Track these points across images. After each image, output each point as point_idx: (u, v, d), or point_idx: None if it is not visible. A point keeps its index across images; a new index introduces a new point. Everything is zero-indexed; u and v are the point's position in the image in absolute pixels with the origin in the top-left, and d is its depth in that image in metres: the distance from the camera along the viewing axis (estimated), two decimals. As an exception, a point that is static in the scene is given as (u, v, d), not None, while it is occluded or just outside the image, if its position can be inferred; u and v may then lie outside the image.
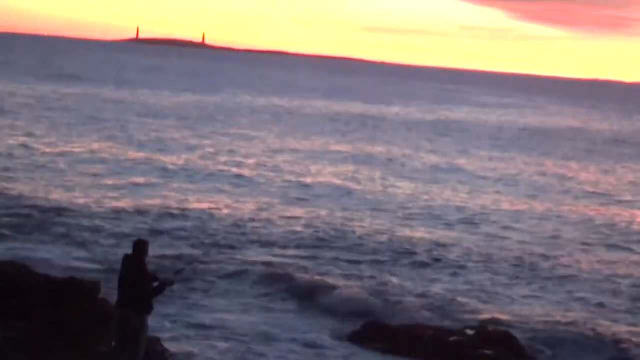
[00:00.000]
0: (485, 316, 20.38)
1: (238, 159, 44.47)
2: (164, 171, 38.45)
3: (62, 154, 40.84)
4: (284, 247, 25.92)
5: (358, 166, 45.09)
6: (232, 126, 61.29)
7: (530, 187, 42.10)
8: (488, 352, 17.29)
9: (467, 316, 20.35)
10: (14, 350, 13.90)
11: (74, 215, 27.72)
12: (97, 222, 27.05)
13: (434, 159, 51.12)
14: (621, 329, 20.22)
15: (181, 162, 41.55)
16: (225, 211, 30.38)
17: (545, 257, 26.90)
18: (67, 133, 49.27)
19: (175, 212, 29.57)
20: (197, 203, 31.46)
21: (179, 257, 22.64)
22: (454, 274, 24.28)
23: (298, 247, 26.01)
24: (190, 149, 46.88)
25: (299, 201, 33.64)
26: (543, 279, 24.49)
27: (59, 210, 28.14)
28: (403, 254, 26.05)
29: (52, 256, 22.74)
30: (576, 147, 67.49)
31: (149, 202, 30.86)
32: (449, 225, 31.10)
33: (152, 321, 13.38)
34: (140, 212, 29.04)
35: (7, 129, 48.07)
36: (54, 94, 77.97)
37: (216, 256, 23.61)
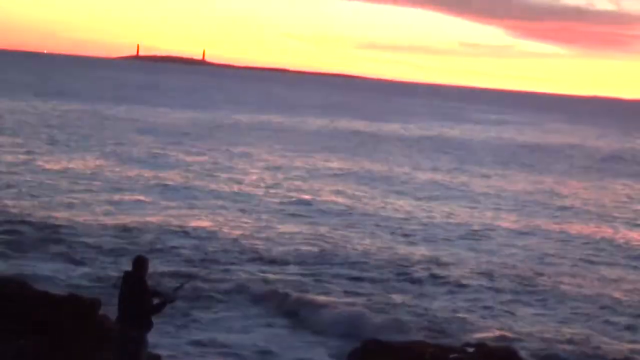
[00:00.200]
0: (486, 333, 20.34)
1: (237, 175, 44.49)
2: (164, 188, 38.46)
3: (61, 171, 40.86)
4: (284, 264, 25.89)
5: (358, 183, 45.10)
6: (232, 143, 61.33)
7: (530, 204, 42.09)
8: (488, 369, 17.21)
9: (468, 333, 20.30)
10: (14, 367, 13.87)
11: (74, 232, 27.72)
12: (97, 239, 27.04)
13: (433, 175, 51.14)
14: (622, 347, 20.18)
15: (180, 179, 41.57)
16: (225, 228, 30.36)
17: (545, 274, 26.87)
18: (67, 150, 49.32)
19: (175, 228, 29.57)
20: (197, 220, 31.44)
21: (178, 274, 22.62)
22: (455, 291, 24.24)
23: (298, 264, 25.98)
24: (189, 165, 46.91)
25: (299, 218, 33.63)
26: (543, 295, 24.45)
27: (59, 227, 28.14)
28: (403, 270, 26.02)
29: (52, 273, 22.72)
30: (575, 164, 67.54)
31: (149, 219, 30.85)
32: (449, 242, 31.08)
33: (151, 337, 13.36)
34: (139, 229, 29.03)
35: (6, 146, 48.12)
36: (54, 110, 78.09)
37: (216, 273, 23.60)
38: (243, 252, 26.95)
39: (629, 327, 22.01)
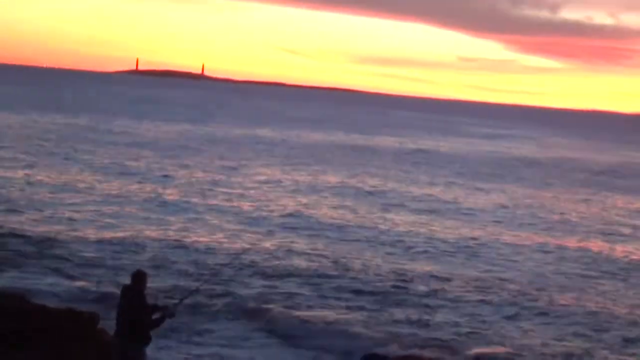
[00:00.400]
0: (485, 347, 20.33)
1: (235, 190, 44.50)
2: (162, 202, 38.47)
3: (59, 185, 40.87)
4: (283, 278, 25.87)
5: (355, 197, 45.11)
6: (230, 157, 61.38)
7: (528, 218, 42.11)
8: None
9: (467, 347, 20.29)
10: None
11: (72, 246, 27.72)
12: (95, 253, 27.04)
13: (431, 189, 51.15)
14: (620, 361, 20.15)
15: (179, 193, 41.58)
16: (224, 243, 30.35)
17: (544, 288, 26.86)
18: (65, 163, 49.33)
19: (174, 243, 29.56)
20: (196, 234, 31.44)
21: (177, 289, 22.60)
22: (453, 305, 24.22)
23: (296, 279, 25.96)
24: (188, 179, 46.93)
25: (297, 233, 33.61)
26: (542, 310, 24.43)
27: (57, 241, 28.14)
28: (402, 285, 25.99)
29: (50, 287, 22.71)
30: (574, 178, 67.56)
31: (147, 233, 30.85)
32: (447, 256, 31.07)
33: (151, 352, 13.35)
34: (138, 243, 29.02)
35: (5, 160, 48.14)
36: (53, 124, 78.15)
37: (214, 288, 23.56)
38: (241, 267, 26.91)
39: (627, 342, 21.99)
